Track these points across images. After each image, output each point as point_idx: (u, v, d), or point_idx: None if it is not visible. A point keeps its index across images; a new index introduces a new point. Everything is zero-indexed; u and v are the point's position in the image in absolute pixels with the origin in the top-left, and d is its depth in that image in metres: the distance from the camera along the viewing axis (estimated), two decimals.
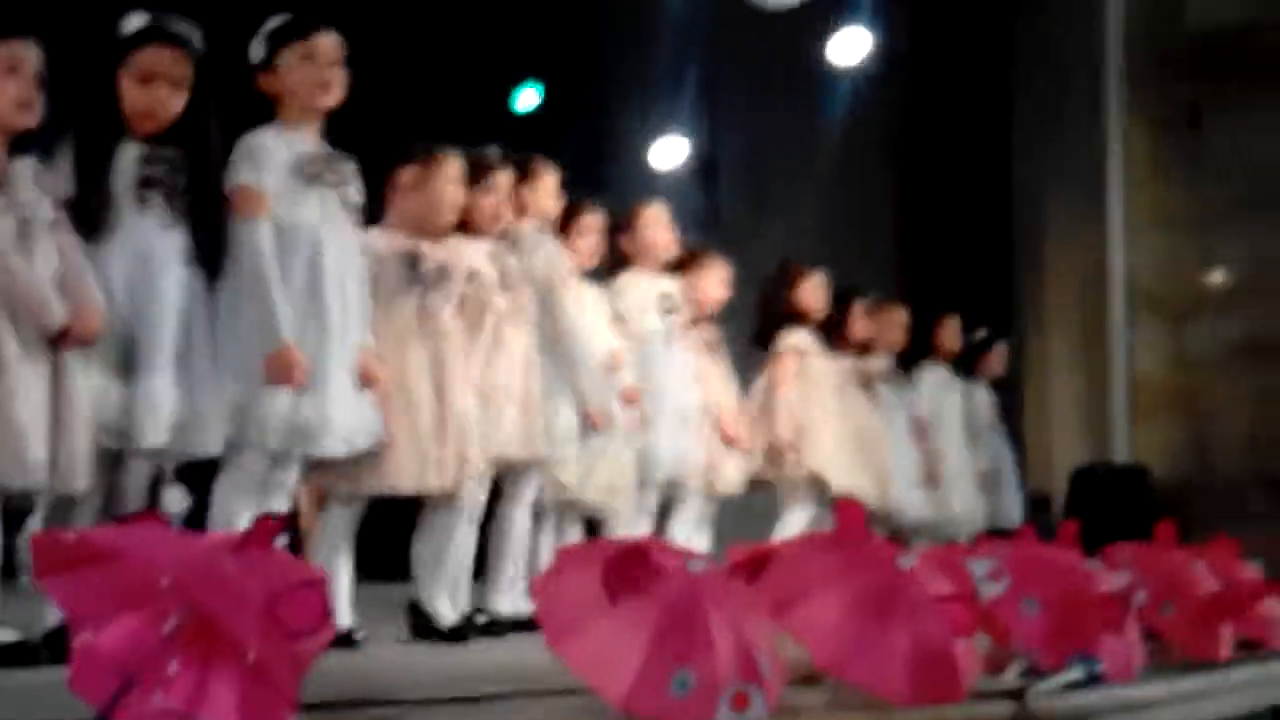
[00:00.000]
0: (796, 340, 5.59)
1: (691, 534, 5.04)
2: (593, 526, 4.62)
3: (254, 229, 3.37)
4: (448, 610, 3.83)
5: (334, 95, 3.54)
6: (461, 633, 3.77)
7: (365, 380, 3.52)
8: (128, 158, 3.28)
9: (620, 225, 4.86)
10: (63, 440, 3.00)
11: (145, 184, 3.26)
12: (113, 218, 3.23)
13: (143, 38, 3.32)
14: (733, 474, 5.23)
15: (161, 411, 3.17)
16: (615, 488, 4.48)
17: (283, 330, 3.32)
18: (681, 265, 5.11)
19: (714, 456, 5.12)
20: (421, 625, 3.81)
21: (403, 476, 3.66)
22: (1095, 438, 7.61)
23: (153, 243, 3.25)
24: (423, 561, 3.84)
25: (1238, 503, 6.93)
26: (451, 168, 3.89)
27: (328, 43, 3.53)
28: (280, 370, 3.31)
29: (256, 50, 3.56)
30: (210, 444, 3.28)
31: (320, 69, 3.51)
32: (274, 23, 3.56)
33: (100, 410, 3.11)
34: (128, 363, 3.17)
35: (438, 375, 3.77)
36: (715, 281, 5.24)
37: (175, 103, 3.31)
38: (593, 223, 4.61)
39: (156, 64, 3.30)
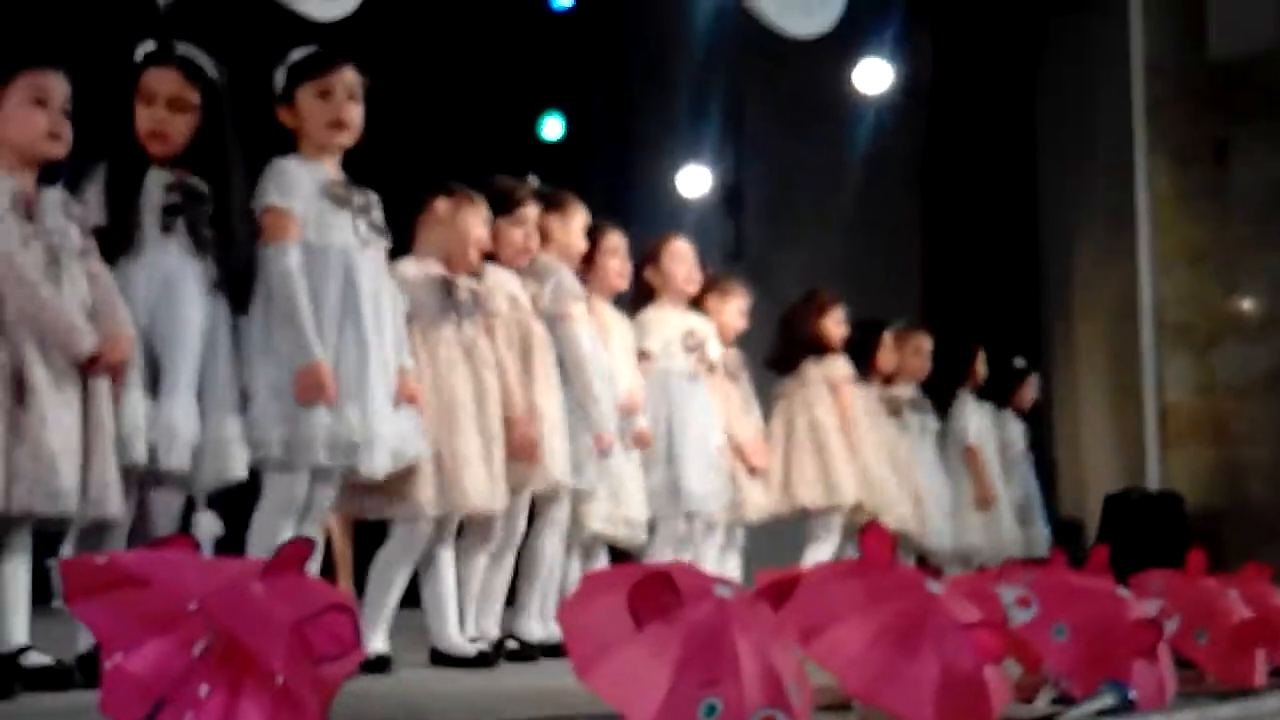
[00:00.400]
0: (846, 371, 5.61)
1: (720, 561, 5.05)
2: (619, 555, 4.63)
3: (282, 251, 3.41)
4: (461, 640, 3.82)
5: (349, 133, 3.56)
6: (486, 659, 3.77)
7: (406, 399, 3.55)
8: (153, 186, 3.32)
9: (646, 257, 4.88)
10: (93, 467, 3.03)
11: (170, 212, 3.30)
12: (137, 245, 3.27)
13: (146, 61, 3.39)
14: (760, 500, 5.23)
15: (181, 436, 3.20)
16: (633, 521, 4.48)
17: (313, 347, 3.35)
18: (703, 292, 5.13)
19: (740, 484, 5.12)
20: (444, 660, 3.81)
21: (455, 499, 3.68)
22: (1127, 465, 7.58)
23: (176, 270, 3.29)
24: (427, 598, 3.84)
25: (1270, 529, 6.89)
26: (483, 209, 3.92)
27: (344, 79, 3.55)
28: (311, 387, 3.34)
29: (277, 83, 3.59)
30: (232, 470, 3.30)
31: (335, 106, 3.53)
32: (294, 56, 3.60)
33: (124, 433, 3.13)
34: (150, 387, 3.20)
35: (480, 401, 3.79)
36: (735, 311, 5.26)
37: (178, 125, 3.35)
38: (617, 243, 4.62)
39: (157, 84, 3.36)
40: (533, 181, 4.31)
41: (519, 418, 3.88)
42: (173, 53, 3.40)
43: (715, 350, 5.03)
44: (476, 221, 3.91)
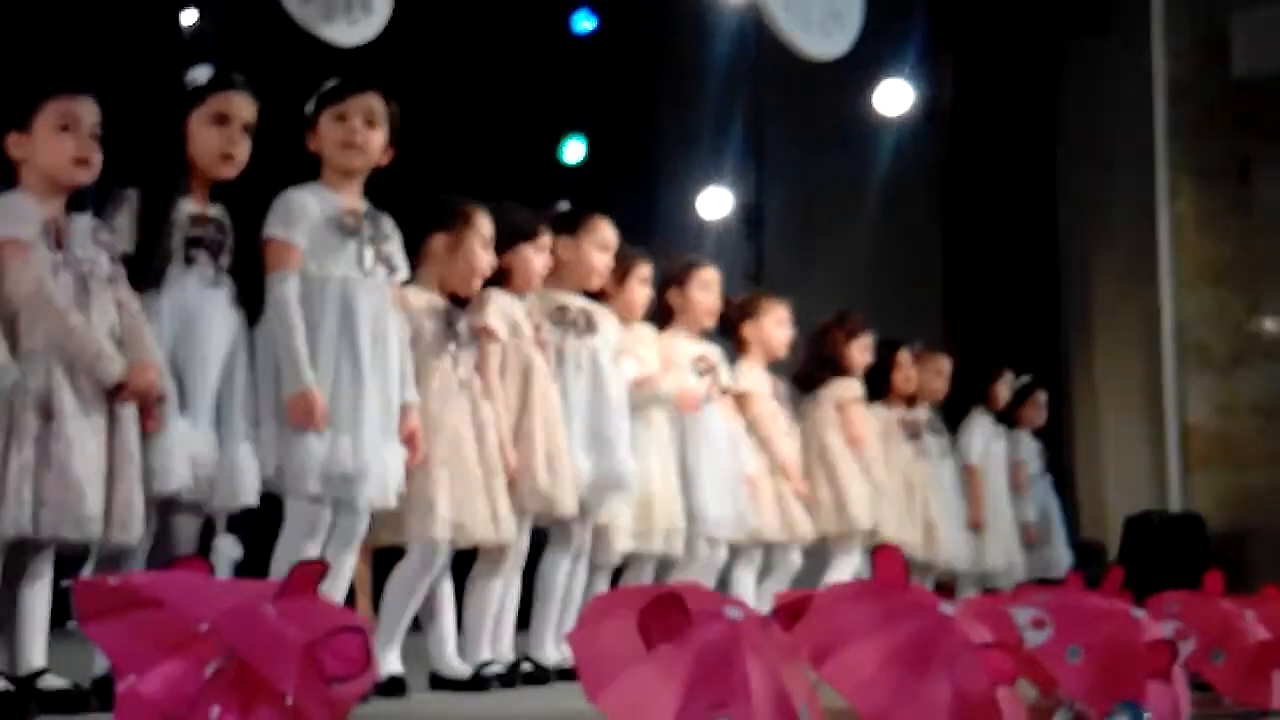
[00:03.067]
0: (855, 392, 5.60)
1: (761, 587, 5.09)
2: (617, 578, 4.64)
3: (281, 281, 3.45)
4: (458, 663, 3.84)
5: (360, 154, 3.59)
6: (482, 682, 3.77)
7: (405, 437, 3.57)
8: (180, 216, 3.35)
9: (672, 279, 4.89)
10: (118, 493, 3.05)
11: (193, 243, 3.33)
12: (162, 275, 3.31)
13: (219, 83, 3.44)
14: (807, 524, 5.23)
15: (199, 463, 3.24)
16: (669, 531, 4.50)
17: (304, 374, 3.38)
18: (736, 323, 5.13)
19: (788, 510, 5.14)
20: (442, 684, 3.83)
21: (454, 528, 3.69)
22: (1149, 487, 7.56)
23: (197, 300, 3.32)
24: (426, 623, 3.86)
25: None
26: (483, 227, 3.90)
27: (362, 103, 3.60)
28: (302, 413, 3.37)
29: (307, 111, 3.65)
30: (244, 495, 3.32)
31: (349, 129, 3.58)
32: (325, 86, 3.65)
33: (160, 462, 3.17)
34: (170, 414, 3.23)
35: (480, 433, 3.81)
36: (773, 324, 5.25)
37: (245, 150, 3.40)
38: (648, 273, 4.66)
39: (236, 108, 3.41)
40: (562, 206, 4.33)
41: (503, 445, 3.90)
42: (240, 78, 3.46)
43: (726, 376, 5.05)
44: (479, 245, 3.89)
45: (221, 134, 3.38)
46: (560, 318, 4.25)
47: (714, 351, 5.03)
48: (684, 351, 4.90)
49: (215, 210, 3.40)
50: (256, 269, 3.44)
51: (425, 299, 3.84)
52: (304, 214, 3.51)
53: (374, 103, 3.62)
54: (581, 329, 4.27)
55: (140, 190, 3.35)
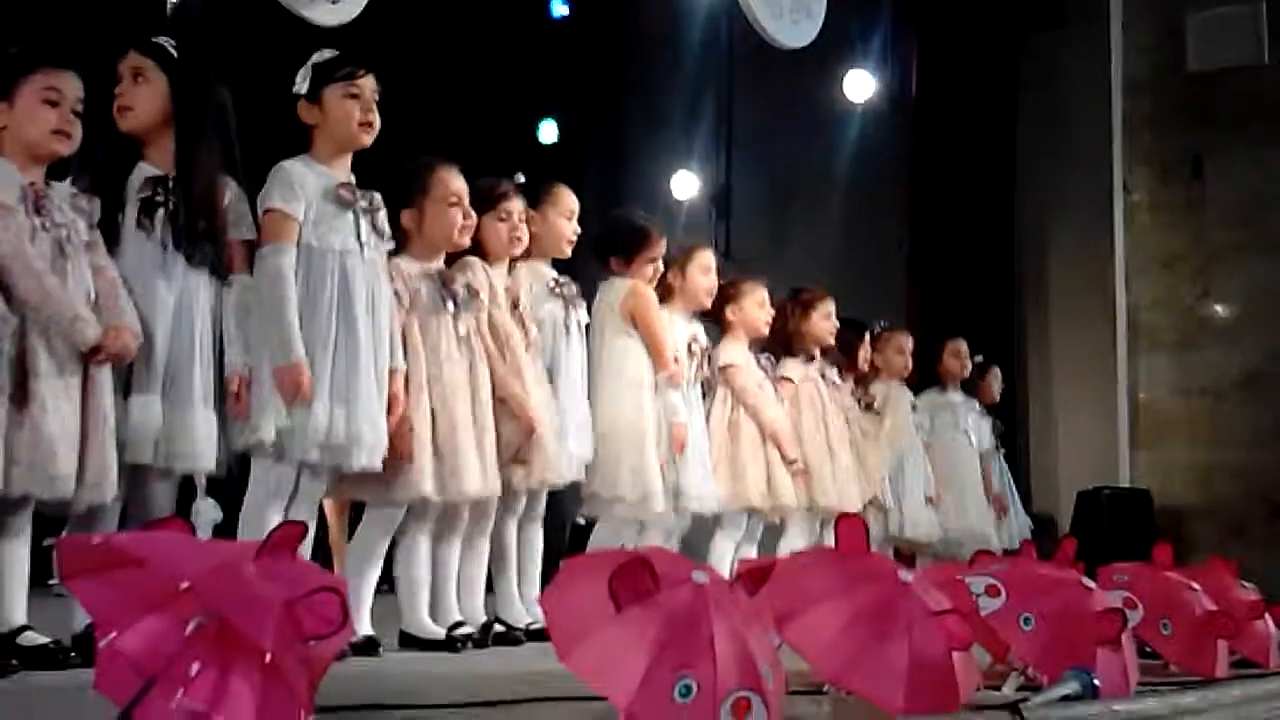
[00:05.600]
0: (803, 368, 5.66)
1: (737, 554, 5.17)
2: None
3: (277, 252, 3.49)
4: (430, 623, 3.90)
5: (372, 135, 3.66)
6: (454, 642, 3.85)
7: (390, 400, 3.64)
8: (137, 180, 3.39)
9: (673, 261, 4.95)
10: (91, 454, 3.10)
11: (146, 206, 3.36)
12: (118, 239, 3.35)
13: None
14: (791, 491, 5.31)
15: (150, 428, 3.27)
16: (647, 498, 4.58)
17: (294, 346, 3.43)
18: (723, 300, 5.22)
19: (775, 478, 5.23)
20: (413, 642, 3.90)
21: (454, 487, 3.78)
22: (1100, 463, 7.68)
23: (149, 265, 3.35)
24: (402, 582, 3.92)
25: (1238, 527, 6.99)
26: (449, 183, 3.94)
27: (370, 84, 3.66)
28: (290, 385, 3.43)
29: (301, 81, 3.67)
30: (202, 462, 3.36)
31: (367, 109, 3.64)
32: (321, 57, 3.68)
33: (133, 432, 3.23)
34: (125, 380, 3.28)
35: (475, 391, 3.90)
36: (755, 304, 5.32)
37: (138, 95, 3.42)
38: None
39: (120, 66, 3.44)
40: (518, 178, 4.39)
41: (514, 394, 3.98)
42: (130, 41, 3.49)
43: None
44: (446, 207, 3.93)
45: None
46: (560, 290, 4.34)
47: (701, 333, 5.11)
48: (682, 332, 4.97)
49: (170, 176, 3.40)
50: (219, 234, 3.45)
51: (418, 266, 3.90)
52: (303, 186, 3.55)
53: (374, 83, 3.69)
54: (574, 301, 4.36)
55: (98, 158, 3.39)
